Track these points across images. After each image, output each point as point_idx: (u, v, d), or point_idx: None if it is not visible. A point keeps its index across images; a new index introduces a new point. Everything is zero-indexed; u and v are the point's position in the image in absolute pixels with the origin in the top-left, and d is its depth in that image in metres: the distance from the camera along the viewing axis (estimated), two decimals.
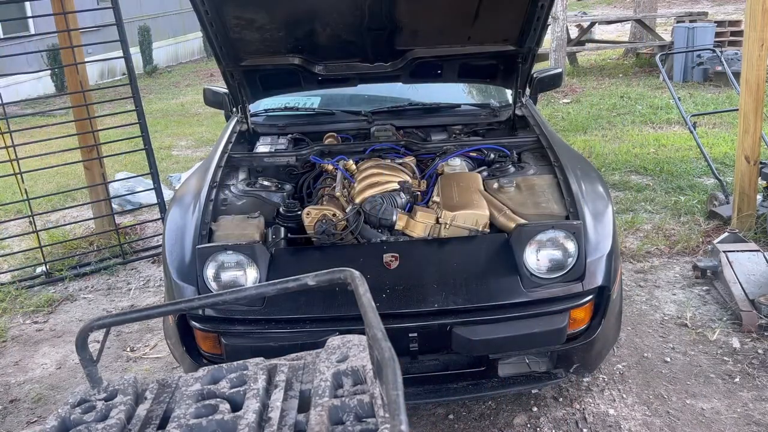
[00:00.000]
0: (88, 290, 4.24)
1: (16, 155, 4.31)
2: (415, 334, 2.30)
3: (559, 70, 3.86)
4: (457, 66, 3.40)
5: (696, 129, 4.89)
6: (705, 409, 2.71)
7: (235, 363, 1.01)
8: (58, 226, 5.22)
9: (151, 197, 4.99)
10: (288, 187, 3.03)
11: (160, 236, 4.11)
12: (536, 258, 2.39)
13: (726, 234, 3.89)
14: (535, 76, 3.65)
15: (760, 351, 3.07)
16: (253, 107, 3.65)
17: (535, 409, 2.73)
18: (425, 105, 3.67)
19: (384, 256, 2.43)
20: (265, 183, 3.01)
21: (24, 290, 4.29)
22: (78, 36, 4.56)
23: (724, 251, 3.62)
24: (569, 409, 2.73)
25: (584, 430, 2.61)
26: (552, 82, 3.76)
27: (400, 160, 3.07)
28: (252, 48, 3.10)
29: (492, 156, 3.13)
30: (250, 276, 2.37)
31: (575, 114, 8.04)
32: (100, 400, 0.94)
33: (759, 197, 4.28)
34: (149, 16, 15.55)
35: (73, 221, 5.16)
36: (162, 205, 4.73)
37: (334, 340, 1.02)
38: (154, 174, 4.64)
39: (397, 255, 2.43)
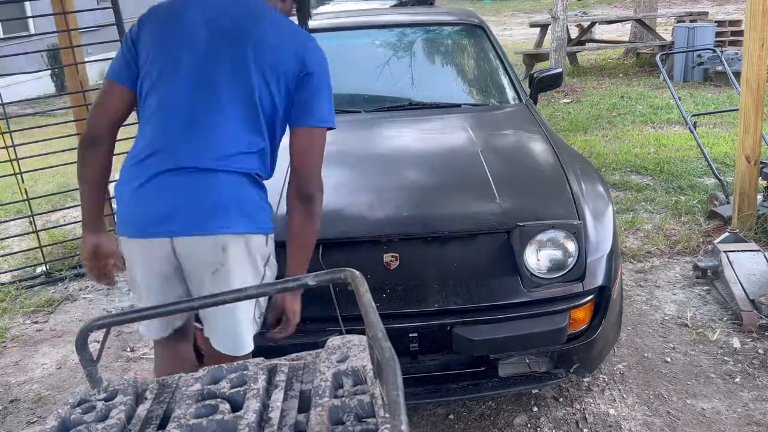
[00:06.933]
0: (88, 290, 4.24)
1: (16, 155, 4.30)
2: (416, 334, 2.29)
3: (560, 69, 3.86)
4: None
5: (696, 129, 4.88)
6: (705, 409, 2.71)
7: (235, 363, 1.01)
8: (58, 226, 5.22)
9: None
10: None
11: None
12: (536, 258, 2.39)
13: (726, 234, 3.89)
14: (535, 76, 3.65)
15: (760, 351, 3.07)
16: None
17: (535, 409, 2.73)
18: (425, 105, 3.67)
19: (384, 256, 2.43)
20: None
21: (24, 290, 4.28)
22: (78, 36, 4.55)
23: (724, 251, 3.62)
24: (569, 409, 2.73)
25: (584, 430, 2.61)
26: (552, 82, 3.76)
27: None
28: None
29: None
30: None
31: (575, 114, 8.04)
32: (100, 400, 0.94)
33: (759, 197, 4.28)
34: None
35: (74, 221, 5.15)
36: None
37: (334, 340, 1.02)
38: None
39: (397, 255, 2.43)
